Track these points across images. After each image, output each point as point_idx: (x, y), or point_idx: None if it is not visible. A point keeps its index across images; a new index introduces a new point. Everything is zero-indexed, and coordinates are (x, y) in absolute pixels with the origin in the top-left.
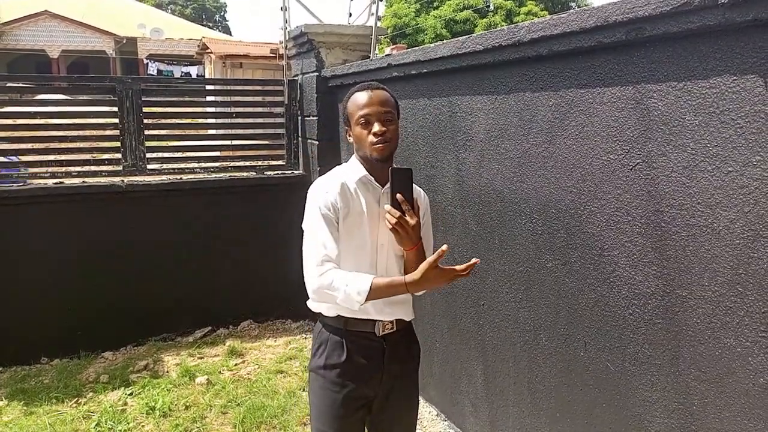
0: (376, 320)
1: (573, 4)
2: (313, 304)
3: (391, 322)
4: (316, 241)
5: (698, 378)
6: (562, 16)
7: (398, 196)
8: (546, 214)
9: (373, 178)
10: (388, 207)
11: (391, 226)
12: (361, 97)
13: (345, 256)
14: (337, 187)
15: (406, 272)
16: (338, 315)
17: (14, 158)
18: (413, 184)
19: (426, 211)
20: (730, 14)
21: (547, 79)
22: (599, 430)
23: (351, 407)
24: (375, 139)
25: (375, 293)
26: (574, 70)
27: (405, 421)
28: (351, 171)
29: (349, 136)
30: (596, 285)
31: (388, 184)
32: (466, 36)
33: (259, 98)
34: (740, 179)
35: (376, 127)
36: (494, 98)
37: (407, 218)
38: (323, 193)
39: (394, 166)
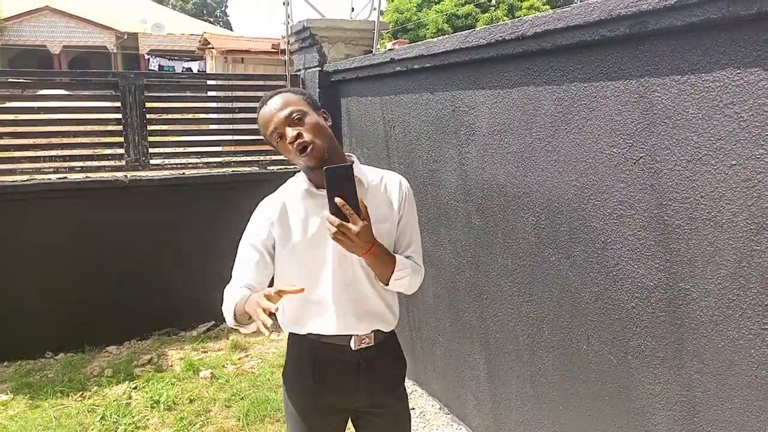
0: (351, 335)
1: None
2: (283, 327)
3: (369, 336)
4: (235, 264)
5: (700, 371)
6: (566, 10)
7: (337, 199)
8: (549, 208)
9: (320, 188)
10: (326, 214)
11: (332, 236)
12: (263, 115)
13: (309, 276)
14: (273, 212)
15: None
16: (309, 333)
17: None
18: (390, 173)
19: (404, 202)
20: (734, 7)
21: (550, 73)
22: (602, 423)
23: (325, 420)
24: (293, 148)
25: (241, 316)
26: (578, 64)
27: None
28: (296, 184)
29: (284, 155)
30: (599, 278)
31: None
32: (470, 30)
33: (261, 93)
34: (743, 173)
35: (289, 134)
36: (497, 92)
37: (349, 225)
38: (259, 217)
39: (331, 165)
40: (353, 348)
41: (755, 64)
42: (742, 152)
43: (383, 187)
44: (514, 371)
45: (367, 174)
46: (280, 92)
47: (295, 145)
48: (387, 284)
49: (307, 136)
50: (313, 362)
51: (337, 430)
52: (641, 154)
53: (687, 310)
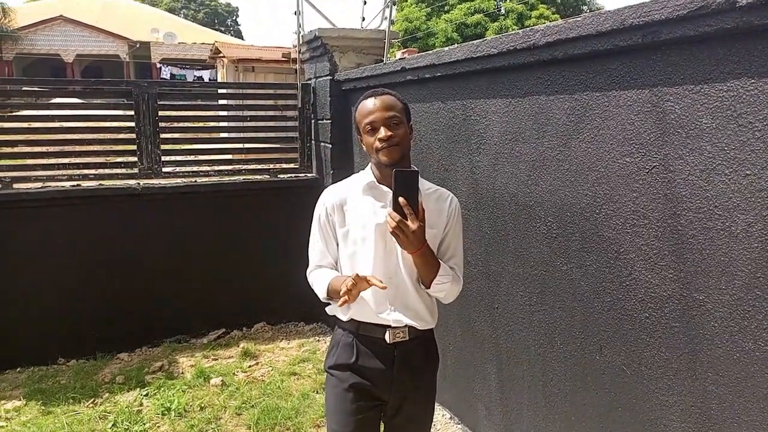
0: (386, 327)
1: (585, 8)
2: (328, 309)
3: (403, 330)
4: (312, 247)
5: (716, 382)
6: (578, 19)
7: (400, 199)
8: (561, 218)
9: (382, 184)
10: (389, 210)
11: (391, 230)
12: (366, 105)
13: (356, 261)
14: (334, 198)
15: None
16: (351, 319)
17: None
18: (442, 189)
19: (452, 217)
20: (748, 17)
21: (562, 83)
22: None
23: (362, 406)
24: (381, 144)
25: (334, 292)
26: (590, 74)
27: None
28: (360, 177)
29: (363, 143)
30: (612, 288)
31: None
32: (481, 39)
33: (272, 102)
34: (758, 182)
35: (382, 133)
36: (509, 101)
37: (408, 222)
38: (321, 203)
39: (401, 168)
40: (388, 341)
41: None
42: (757, 162)
43: (436, 198)
44: (526, 381)
45: (424, 184)
46: (388, 93)
47: (383, 143)
48: (429, 287)
49: (396, 140)
50: (352, 351)
51: (372, 419)
52: (654, 164)
53: (701, 321)
